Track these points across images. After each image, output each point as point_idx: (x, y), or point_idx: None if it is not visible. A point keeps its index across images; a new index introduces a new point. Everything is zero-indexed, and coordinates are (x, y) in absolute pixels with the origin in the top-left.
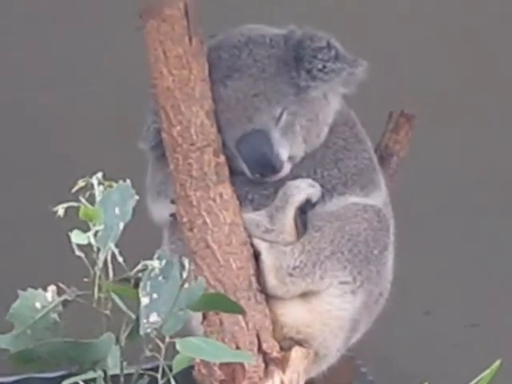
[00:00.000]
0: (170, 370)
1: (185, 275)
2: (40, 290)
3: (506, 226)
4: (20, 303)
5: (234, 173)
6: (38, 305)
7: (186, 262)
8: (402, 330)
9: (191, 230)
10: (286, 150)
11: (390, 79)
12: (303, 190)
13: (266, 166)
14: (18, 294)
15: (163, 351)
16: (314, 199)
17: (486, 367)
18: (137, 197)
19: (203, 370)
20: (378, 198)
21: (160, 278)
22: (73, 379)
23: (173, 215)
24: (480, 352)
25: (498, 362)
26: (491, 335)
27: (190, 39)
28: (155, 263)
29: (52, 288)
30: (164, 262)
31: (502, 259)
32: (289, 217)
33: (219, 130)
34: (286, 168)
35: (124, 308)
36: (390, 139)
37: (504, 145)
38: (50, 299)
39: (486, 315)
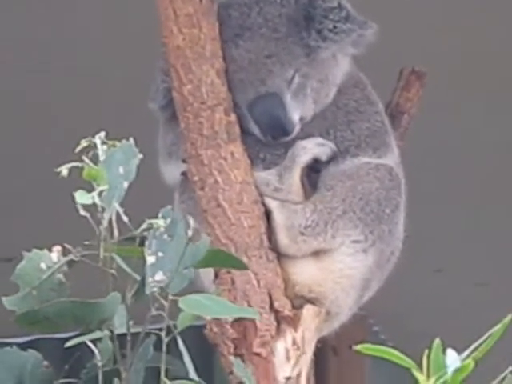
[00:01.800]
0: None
1: (190, 233)
2: (45, 251)
3: None
4: (25, 264)
5: (244, 132)
6: (43, 265)
7: (191, 221)
8: (413, 288)
9: (202, 188)
10: (297, 113)
11: (400, 37)
12: (309, 150)
13: (279, 129)
14: (23, 255)
15: (167, 309)
16: (324, 158)
17: (497, 325)
18: (140, 155)
19: (215, 329)
20: (390, 160)
21: (165, 236)
22: (79, 339)
23: (184, 174)
24: (491, 310)
25: (509, 317)
26: (502, 294)
27: None
28: (160, 222)
29: (57, 248)
30: (169, 220)
31: None
32: (295, 177)
33: (230, 90)
34: (297, 129)
35: (127, 269)
36: (400, 97)
37: None
38: (55, 259)
39: (497, 274)
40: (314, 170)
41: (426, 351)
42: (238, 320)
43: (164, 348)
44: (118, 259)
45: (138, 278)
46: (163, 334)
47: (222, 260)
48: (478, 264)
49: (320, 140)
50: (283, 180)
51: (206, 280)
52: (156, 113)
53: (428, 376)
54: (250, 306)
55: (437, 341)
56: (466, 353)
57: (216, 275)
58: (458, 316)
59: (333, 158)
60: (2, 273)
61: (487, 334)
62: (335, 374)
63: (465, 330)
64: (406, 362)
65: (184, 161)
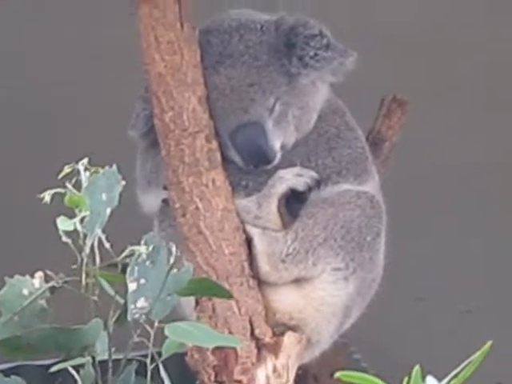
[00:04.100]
0: (160, 356)
1: (171, 260)
2: (27, 277)
3: (501, 211)
4: (7, 290)
5: (226, 159)
6: (25, 291)
7: (173, 248)
8: (394, 316)
9: (184, 215)
10: (278, 141)
11: (382, 65)
12: (286, 180)
13: (261, 157)
14: (5, 281)
15: (152, 336)
16: (301, 188)
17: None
18: (123, 182)
19: (196, 356)
20: (371, 187)
21: (147, 263)
22: (61, 365)
23: (165, 201)
24: (474, 339)
25: (488, 344)
26: (485, 322)
27: (182, 25)
28: (142, 248)
29: (39, 274)
30: (151, 247)
31: (496, 245)
32: (272, 206)
33: (212, 117)
34: (278, 157)
35: (112, 292)
36: (382, 125)
37: (498, 131)
38: (37, 286)
39: (480, 301)
40: (297, 199)
41: (406, 379)
42: (218, 347)
43: (149, 375)
44: (103, 282)
45: (121, 301)
46: (148, 361)
47: (206, 288)
48: (460, 292)
49: (298, 170)
50: (262, 208)
51: (188, 307)
52: (136, 140)
53: None
54: (230, 332)
55: (416, 368)
56: (445, 380)
57: (197, 302)
58: (440, 344)
59: (313, 188)
60: None
61: (467, 361)
62: None
63: (447, 359)
64: None
65: (165, 188)
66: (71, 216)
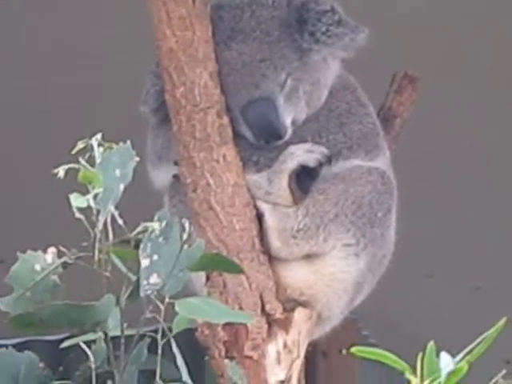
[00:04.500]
0: (171, 331)
1: (185, 236)
2: (40, 252)
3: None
4: (20, 265)
5: (237, 134)
6: (37, 267)
7: (186, 224)
8: (404, 292)
9: (195, 191)
10: (290, 116)
11: (394, 40)
12: (296, 156)
13: (272, 133)
14: (18, 256)
15: (163, 312)
16: (311, 164)
17: (490, 329)
18: (137, 158)
19: (206, 331)
20: (382, 162)
21: (160, 239)
22: (73, 340)
23: (175, 176)
24: (483, 315)
25: (503, 320)
26: (494, 298)
27: (194, 0)
28: (155, 225)
29: (52, 250)
30: (164, 223)
31: (506, 222)
32: (282, 182)
33: (223, 92)
34: (289, 132)
35: (124, 269)
36: (393, 101)
37: (510, 110)
38: (49, 261)
39: (489, 278)
40: (308, 174)
41: (420, 354)
42: (229, 323)
43: (159, 351)
44: (115, 259)
45: (134, 277)
46: (159, 336)
47: (217, 263)
48: (469, 269)
49: (309, 146)
50: (272, 184)
51: (198, 283)
52: (147, 116)
53: (422, 379)
54: (241, 308)
55: (431, 343)
56: (459, 356)
57: (208, 278)
58: (450, 321)
59: (324, 164)
60: None
61: (481, 338)
62: (325, 378)
63: (456, 335)
64: (401, 364)
65: (176, 163)
66: (83, 192)
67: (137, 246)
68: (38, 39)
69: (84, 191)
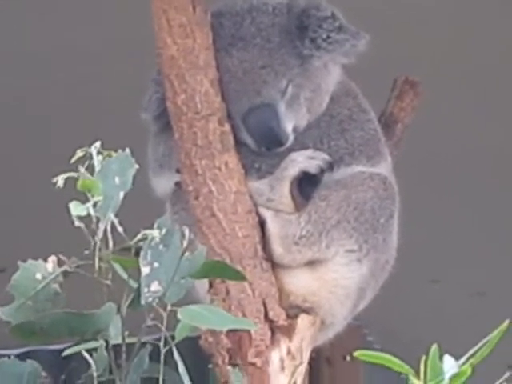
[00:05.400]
0: (173, 340)
1: (185, 244)
2: (40, 261)
3: None
4: (20, 274)
5: (238, 141)
6: (38, 276)
7: (187, 231)
8: (408, 298)
9: (197, 198)
10: (291, 123)
11: (395, 46)
12: (298, 163)
13: (273, 140)
14: (19, 265)
15: (165, 320)
16: (313, 171)
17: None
18: (136, 166)
19: (210, 339)
20: (384, 168)
21: (161, 246)
22: (76, 348)
23: (177, 184)
24: (487, 320)
25: (506, 324)
26: (498, 303)
27: (194, 8)
28: (155, 232)
29: (52, 259)
30: (164, 230)
31: (509, 227)
32: (284, 189)
33: (224, 100)
34: (291, 139)
35: (125, 276)
36: (394, 106)
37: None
38: (50, 270)
39: (493, 283)
40: (310, 181)
41: (424, 357)
42: (232, 330)
43: (162, 359)
44: (116, 266)
45: (135, 285)
46: (161, 344)
47: (219, 270)
48: (473, 274)
49: (311, 153)
50: (274, 191)
51: (201, 290)
52: (148, 123)
53: (425, 382)
54: (244, 315)
55: (434, 347)
56: (463, 359)
57: (210, 285)
58: (454, 326)
59: (326, 170)
60: None
61: (484, 341)
62: None
63: (460, 340)
64: (405, 368)
65: (178, 171)
66: (83, 200)
67: (137, 254)
68: (38, 39)
69: (84, 199)
